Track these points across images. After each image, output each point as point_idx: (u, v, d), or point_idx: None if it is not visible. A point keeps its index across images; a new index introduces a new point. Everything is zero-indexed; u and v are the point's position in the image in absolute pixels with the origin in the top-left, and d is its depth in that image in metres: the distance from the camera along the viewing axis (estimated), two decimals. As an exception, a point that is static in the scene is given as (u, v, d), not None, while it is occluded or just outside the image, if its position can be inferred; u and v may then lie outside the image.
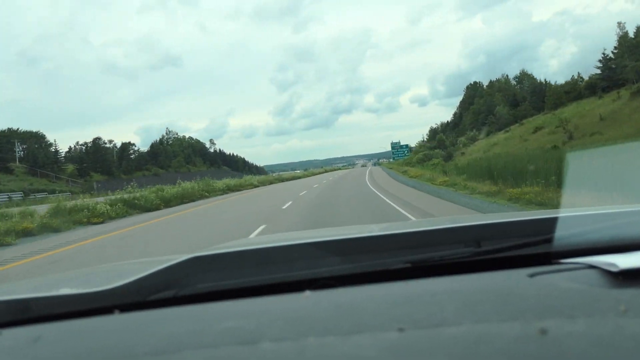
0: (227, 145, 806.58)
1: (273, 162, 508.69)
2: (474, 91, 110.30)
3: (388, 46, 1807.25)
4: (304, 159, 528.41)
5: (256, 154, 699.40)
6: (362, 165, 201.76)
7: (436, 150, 56.53)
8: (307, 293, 0.73)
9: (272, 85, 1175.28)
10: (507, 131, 59.46)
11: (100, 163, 75.18)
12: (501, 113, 70.55)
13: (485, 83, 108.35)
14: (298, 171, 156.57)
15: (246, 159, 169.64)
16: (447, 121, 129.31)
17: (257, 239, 1.58)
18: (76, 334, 0.62)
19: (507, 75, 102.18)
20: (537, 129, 45.79)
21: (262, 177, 56.74)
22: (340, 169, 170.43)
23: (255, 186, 39.55)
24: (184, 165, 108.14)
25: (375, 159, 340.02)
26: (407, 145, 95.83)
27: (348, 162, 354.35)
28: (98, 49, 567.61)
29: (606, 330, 0.49)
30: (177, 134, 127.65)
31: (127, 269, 1.09)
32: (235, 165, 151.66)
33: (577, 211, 1.09)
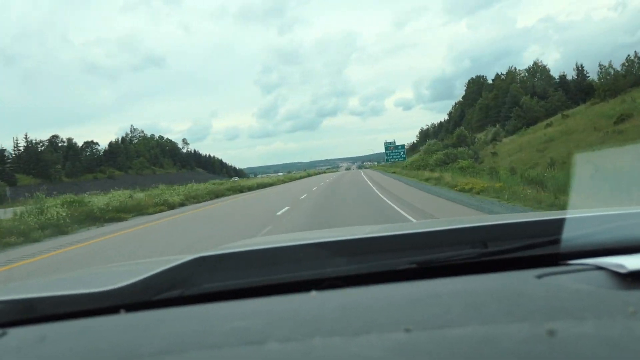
0: (211, 147, 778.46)
1: (256, 164, 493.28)
2: (477, 86, 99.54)
3: (373, 49, 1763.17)
4: (288, 162, 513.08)
5: (239, 156, 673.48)
6: (347, 169, 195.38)
7: (460, 149, 43.69)
8: (314, 293, 0.73)
9: (256, 87, 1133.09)
10: (550, 125, 47.68)
11: (35, 164, 60.22)
12: (529, 105, 58.74)
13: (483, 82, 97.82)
14: (280, 173, 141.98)
15: (224, 161, 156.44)
16: (442, 121, 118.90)
17: (263, 239, 1.45)
18: (82, 334, 0.62)
19: (515, 68, 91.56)
20: (621, 119, 33.82)
21: (208, 185, 34.87)
22: (325, 172, 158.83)
23: (178, 205, 20.60)
24: (149, 167, 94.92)
25: (360, 161, 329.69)
26: (403, 146, 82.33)
27: (332, 165, 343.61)
28: (79, 48, 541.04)
29: (615, 332, 0.48)
30: (142, 131, 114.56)
31: (132, 268, 1.08)
32: (212, 167, 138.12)
33: (584, 212, 1.07)
